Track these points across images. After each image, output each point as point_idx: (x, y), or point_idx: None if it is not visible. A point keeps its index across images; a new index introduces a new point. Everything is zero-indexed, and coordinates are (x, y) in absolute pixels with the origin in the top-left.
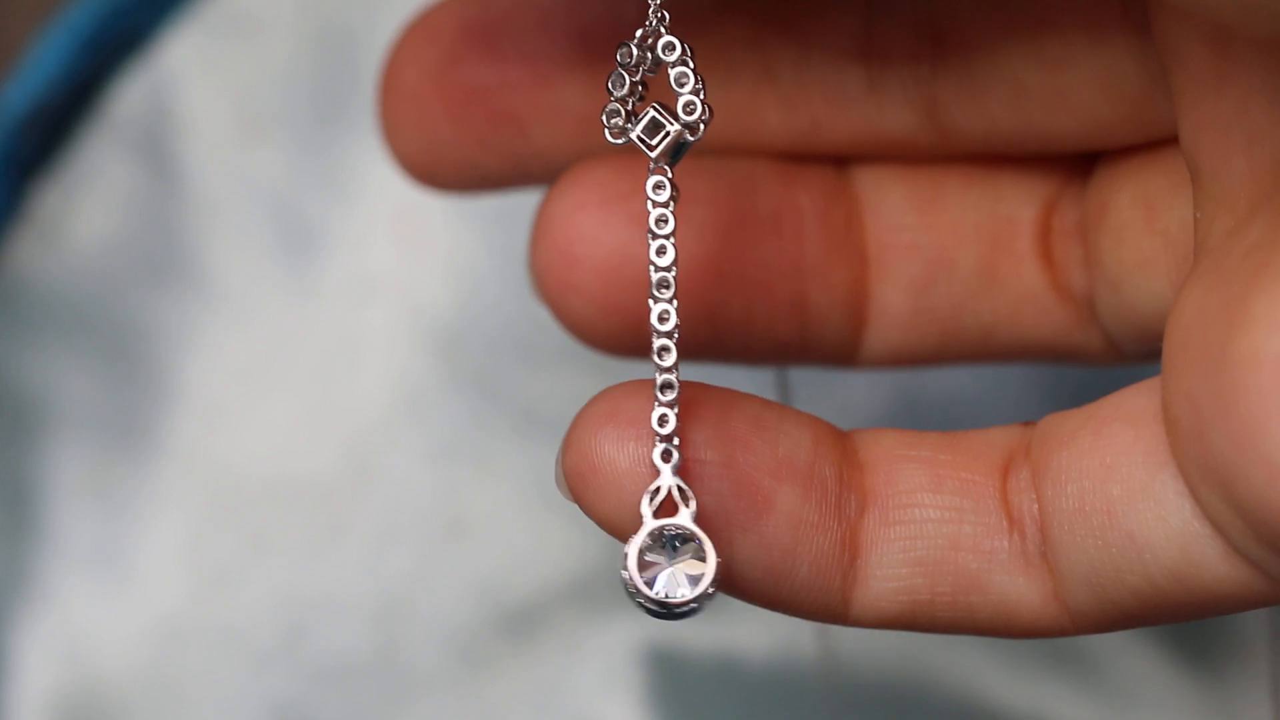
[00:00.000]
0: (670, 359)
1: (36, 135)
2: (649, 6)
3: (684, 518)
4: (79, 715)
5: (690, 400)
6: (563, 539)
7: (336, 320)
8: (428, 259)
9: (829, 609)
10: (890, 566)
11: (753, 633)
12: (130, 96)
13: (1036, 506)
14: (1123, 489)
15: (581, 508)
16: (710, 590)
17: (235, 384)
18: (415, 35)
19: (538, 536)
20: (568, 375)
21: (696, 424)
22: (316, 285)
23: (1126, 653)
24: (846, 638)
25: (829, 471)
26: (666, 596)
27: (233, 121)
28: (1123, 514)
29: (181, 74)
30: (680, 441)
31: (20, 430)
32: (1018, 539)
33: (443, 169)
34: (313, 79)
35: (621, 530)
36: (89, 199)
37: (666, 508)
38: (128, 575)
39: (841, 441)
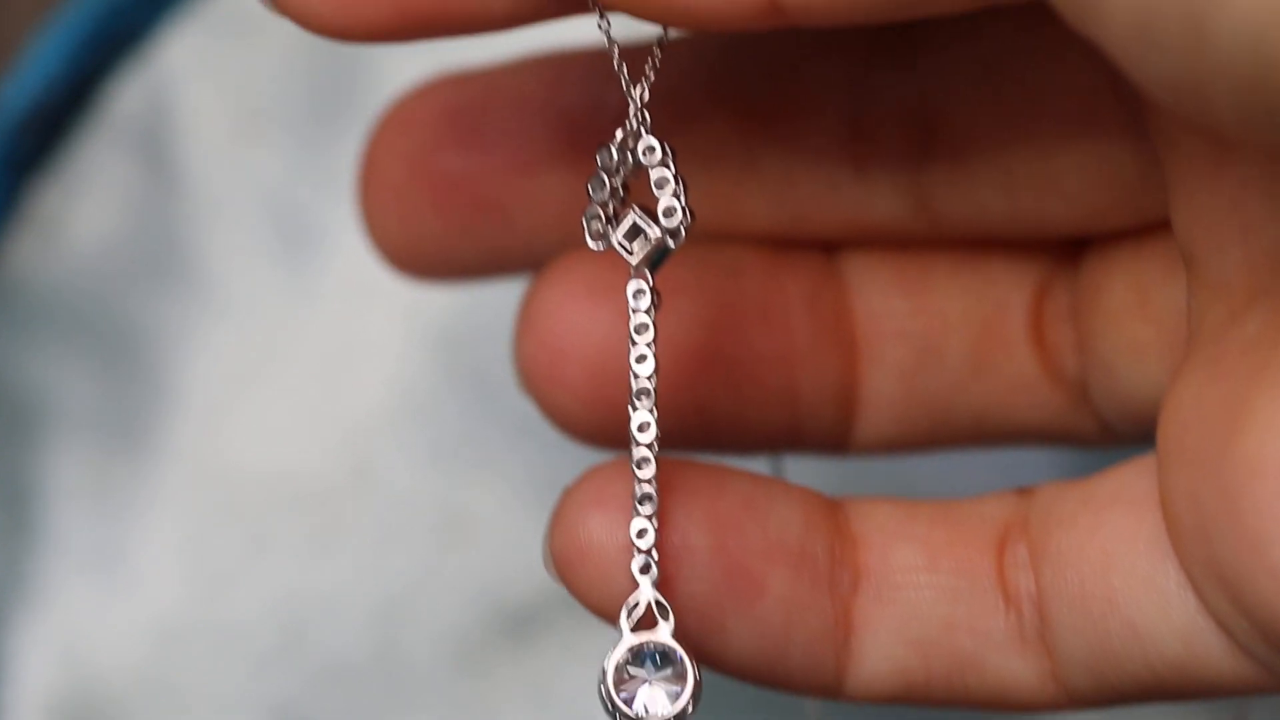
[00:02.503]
0: (649, 470)
1: (35, 135)
2: (629, 103)
3: (663, 633)
4: (78, 716)
5: (679, 481)
6: None
7: (336, 320)
8: None
9: (823, 687)
10: (885, 646)
11: None
12: (129, 96)
13: (1034, 587)
14: (1124, 579)
15: (570, 591)
16: (688, 708)
17: (234, 384)
18: (394, 122)
19: (538, 537)
20: None
21: (685, 506)
22: (316, 285)
23: None
24: None
25: (820, 548)
26: (645, 714)
27: (232, 121)
28: (1124, 604)
29: (180, 73)
30: (668, 523)
31: (19, 430)
32: (1014, 618)
33: (424, 258)
34: (312, 78)
35: (612, 615)
36: (88, 198)
37: (646, 621)
38: (127, 576)
39: (833, 514)
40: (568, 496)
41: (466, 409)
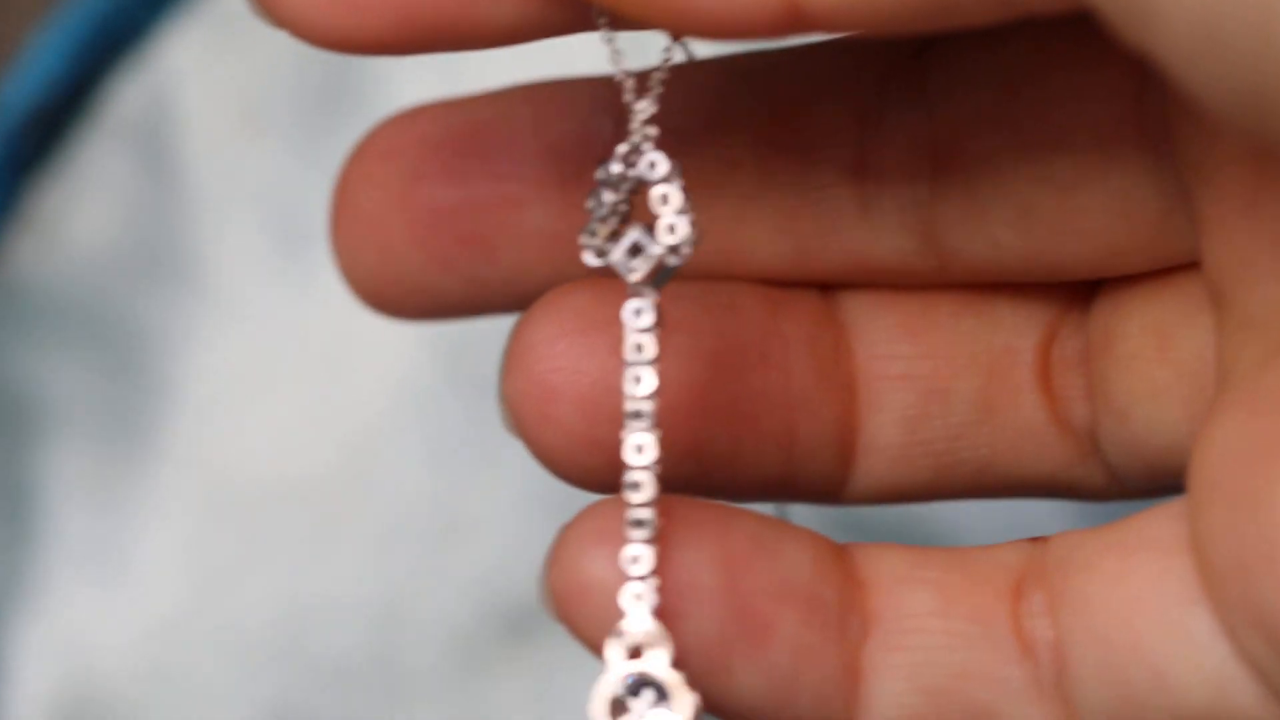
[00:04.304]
0: (645, 494)
1: (35, 135)
2: (629, 120)
3: (658, 663)
4: (78, 715)
5: (684, 517)
6: None
7: (336, 320)
8: None
9: None
10: (896, 695)
11: None
12: (129, 95)
13: (1052, 634)
14: (1151, 625)
15: (570, 631)
16: None
17: (234, 384)
18: (372, 150)
19: (538, 536)
20: None
21: (692, 542)
22: (316, 284)
23: None
24: None
25: (830, 592)
26: None
27: (231, 120)
28: (1151, 651)
29: (180, 73)
30: (673, 559)
31: (18, 430)
32: (1031, 667)
33: (401, 294)
34: (311, 77)
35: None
36: (88, 198)
37: (639, 650)
38: (126, 576)
39: (841, 558)
40: (566, 532)
41: (466, 409)
